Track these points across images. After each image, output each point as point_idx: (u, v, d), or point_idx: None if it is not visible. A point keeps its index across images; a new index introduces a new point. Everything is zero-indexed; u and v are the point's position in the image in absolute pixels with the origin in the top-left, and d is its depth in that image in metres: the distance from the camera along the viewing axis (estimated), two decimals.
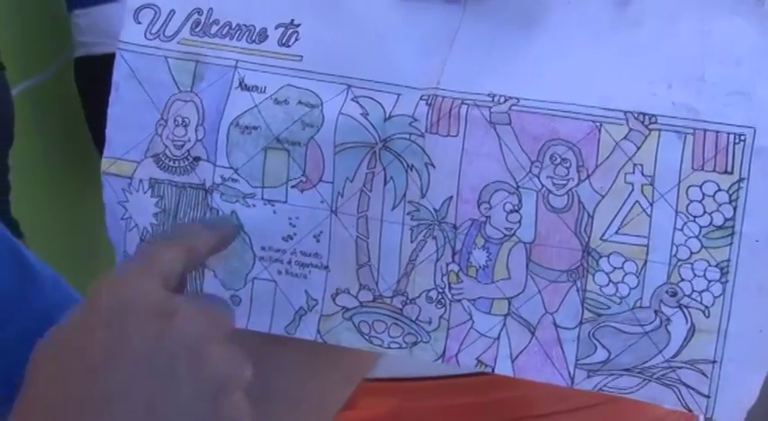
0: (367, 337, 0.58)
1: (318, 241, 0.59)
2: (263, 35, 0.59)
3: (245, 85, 0.59)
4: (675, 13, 0.52)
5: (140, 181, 0.62)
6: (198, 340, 0.48)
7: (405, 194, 0.56)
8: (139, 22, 0.62)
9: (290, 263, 0.59)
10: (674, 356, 0.53)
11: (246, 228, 0.59)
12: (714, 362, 0.52)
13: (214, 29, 0.60)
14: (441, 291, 0.56)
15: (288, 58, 0.58)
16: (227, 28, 0.60)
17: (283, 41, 0.59)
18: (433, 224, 0.56)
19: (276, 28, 0.59)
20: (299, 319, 0.60)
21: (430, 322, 0.57)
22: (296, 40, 0.58)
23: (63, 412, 0.46)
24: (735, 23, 0.51)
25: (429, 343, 0.57)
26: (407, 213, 0.56)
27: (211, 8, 0.60)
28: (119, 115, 0.62)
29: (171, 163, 0.61)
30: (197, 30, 0.60)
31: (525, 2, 0.55)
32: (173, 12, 0.61)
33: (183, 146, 0.60)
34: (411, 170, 0.56)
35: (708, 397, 0.53)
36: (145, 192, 0.62)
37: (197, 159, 0.60)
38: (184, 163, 0.60)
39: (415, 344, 0.58)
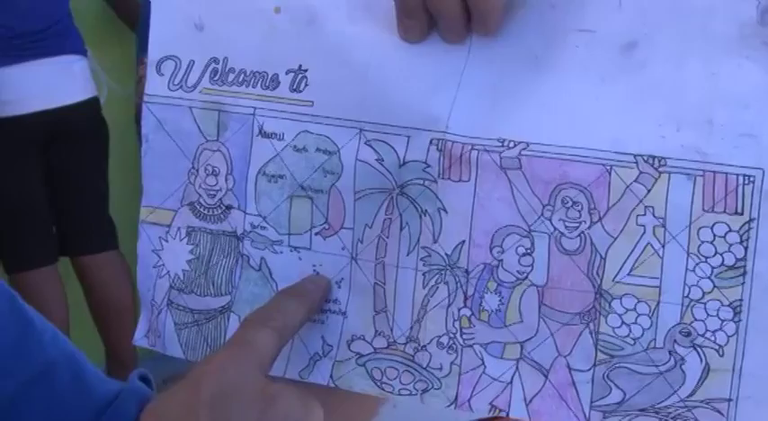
0: (378, 383, 0.59)
1: (339, 287, 0.60)
2: (276, 81, 0.60)
3: (265, 133, 0.60)
4: (682, 56, 0.52)
5: (178, 228, 0.63)
6: None
7: (419, 240, 0.57)
8: (162, 74, 0.63)
9: None
10: (690, 396, 0.53)
11: (274, 274, 0.61)
12: (730, 400, 0.52)
13: (231, 77, 0.61)
14: (452, 336, 0.56)
15: (300, 103, 0.59)
16: (243, 75, 0.61)
17: (294, 87, 0.60)
18: (445, 269, 0.56)
19: (287, 73, 0.60)
20: (314, 365, 0.60)
21: (441, 368, 0.57)
22: (306, 85, 0.59)
23: None
24: (741, 65, 0.51)
25: (440, 389, 0.57)
26: (421, 259, 0.57)
27: (227, 57, 0.62)
28: (151, 165, 0.64)
29: (205, 211, 0.62)
30: (216, 78, 0.62)
31: (530, 43, 0.55)
32: (192, 62, 0.63)
33: (215, 195, 0.62)
34: (425, 215, 0.56)
35: None
36: (182, 240, 0.63)
37: (229, 207, 0.61)
38: (218, 211, 0.62)
39: (425, 390, 0.58)
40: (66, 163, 2.60)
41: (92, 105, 2.65)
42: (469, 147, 0.55)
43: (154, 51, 0.64)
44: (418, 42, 0.56)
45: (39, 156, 2.56)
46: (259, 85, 0.60)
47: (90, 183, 2.65)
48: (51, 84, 2.51)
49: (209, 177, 0.62)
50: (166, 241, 0.64)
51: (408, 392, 0.58)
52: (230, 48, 0.62)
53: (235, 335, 0.54)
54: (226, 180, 0.61)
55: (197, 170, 0.62)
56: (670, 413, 0.53)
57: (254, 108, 0.60)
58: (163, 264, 0.64)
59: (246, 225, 0.61)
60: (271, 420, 0.48)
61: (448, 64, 0.56)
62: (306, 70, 0.59)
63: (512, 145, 0.54)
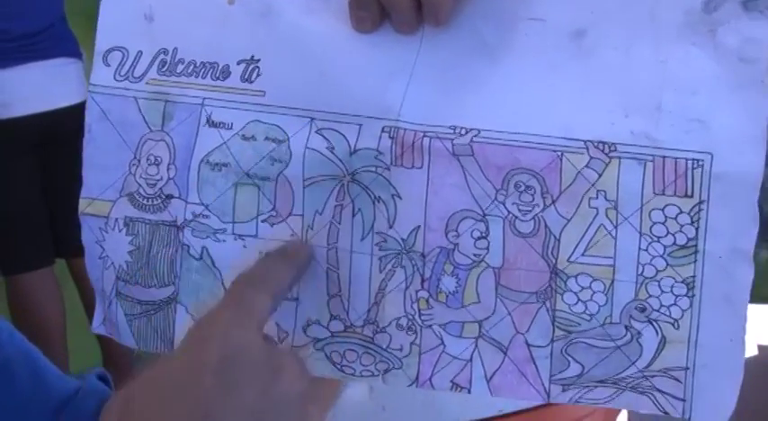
0: (339, 367, 0.59)
1: None
2: (227, 72, 0.60)
3: (213, 122, 0.60)
4: (630, 43, 0.53)
5: (116, 220, 0.63)
6: (300, 399, 0.49)
7: (373, 226, 0.57)
8: (108, 65, 0.63)
9: None
10: (648, 366, 0.55)
11: (217, 263, 0.60)
12: (687, 368, 0.54)
13: (180, 68, 0.61)
14: (411, 317, 0.57)
15: (251, 93, 0.59)
16: (192, 66, 0.60)
17: (246, 77, 0.59)
18: (401, 253, 0.57)
19: (238, 64, 0.60)
20: None
21: (401, 349, 0.58)
22: (258, 75, 0.59)
23: None
24: (689, 52, 0.52)
25: (401, 369, 0.58)
26: (376, 244, 0.57)
27: (176, 48, 0.61)
28: (93, 156, 0.63)
29: (144, 201, 0.62)
30: (164, 69, 0.61)
31: (482, 32, 0.56)
32: (140, 53, 0.62)
33: (155, 184, 0.61)
34: (378, 202, 0.57)
35: (683, 400, 0.55)
36: (120, 231, 0.63)
37: (169, 197, 0.61)
38: (157, 201, 0.61)
39: (387, 371, 0.59)
40: (61, 165, 2.52)
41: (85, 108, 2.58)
42: (421, 134, 0.55)
43: (101, 42, 0.63)
44: (370, 33, 0.57)
45: (33, 159, 2.51)
46: (209, 75, 0.60)
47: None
48: (46, 86, 2.45)
49: (151, 167, 0.61)
50: (106, 232, 0.63)
51: (370, 373, 0.59)
52: (180, 39, 0.61)
53: (231, 296, 0.52)
54: (168, 169, 0.61)
55: (138, 160, 0.62)
56: (629, 383, 0.55)
57: (203, 98, 0.60)
58: (107, 256, 0.64)
59: (187, 214, 0.60)
60: (277, 393, 0.47)
61: (400, 53, 0.56)
62: (258, 61, 0.59)
63: (463, 132, 0.55)
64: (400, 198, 0.56)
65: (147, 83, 0.61)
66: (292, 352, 0.55)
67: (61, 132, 2.50)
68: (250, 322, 0.50)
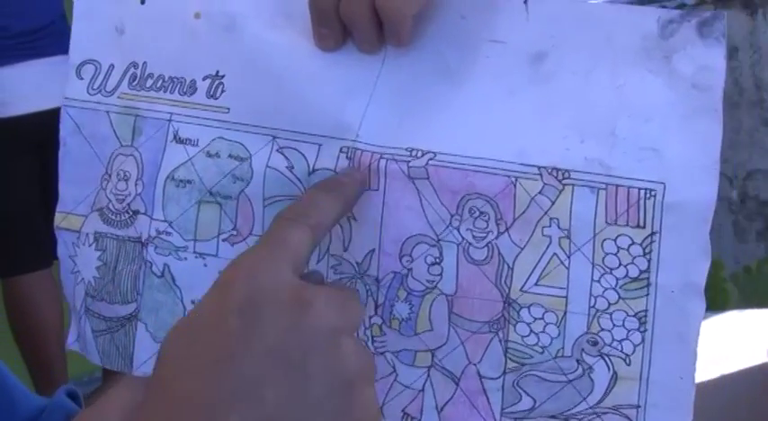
0: None
1: None
2: (193, 87, 0.59)
3: (179, 139, 0.59)
4: (589, 69, 0.52)
5: (87, 234, 0.62)
6: (332, 333, 0.45)
7: (328, 248, 0.57)
8: (82, 78, 0.63)
9: None
10: (599, 403, 0.53)
11: (178, 281, 0.60)
12: (638, 406, 0.52)
13: (149, 82, 0.61)
14: (364, 344, 0.56)
15: (216, 110, 0.59)
16: (161, 81, 0.60)
17: (211, 93, 0.59)
18: (355, 277, 0.56)
19: (204, 79, 0.59)
20: None
21: None
22: (222, 91, 0.59)
23: (191, 400, 0.43)
24: (645, 78, 0.51)
25: None
26: (331, 267, 0.57)
27: (146, 62, 0.61)
28: (68, 171, 0.64)
29: (113, 216, 0.61)
30: (134, 84, 0.61)
31: (444, 54, 0.55)
32: (112, 66, 0.62)
33: (124, 200, 0.61)
34: None
35: None
36: (90, 246, 0.62)
37: (136, 213, 0.60)
38: (125, 216, 0.61)
39: None
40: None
41: None
42: (378, 156, 0.55)
43: (74, 54, 0.63)
44: (333, 51, 0.56)
45: (33, 158, 2.49)
46: (177, 90, 0.60)
47: None
48: (46, 84, 2.39)
49: (120, 182, 0.61)
50: (78, 247, 0.63)
51: None
52: (150, 53, 0.61)
53: (266, 233, 0.49)
54: (135, 185, 0.60)
55: (110, 175, 0.61)
56: (580, 419, 0.54)
57: (171, 114, 0.60)
58: (78, 271, 0.63)
59: (152, 230, 0.60)
60: (304, 328, 0.45)
61: (362, 73, 0.56)
62: (223, 76, 0.59)
63: (419, 154, 0.54)
64: (356, 220, 0.56)
65: (118, 97, 0.61)
66: (333, 285, 0.51)
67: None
68: (281, 258, 0.47)
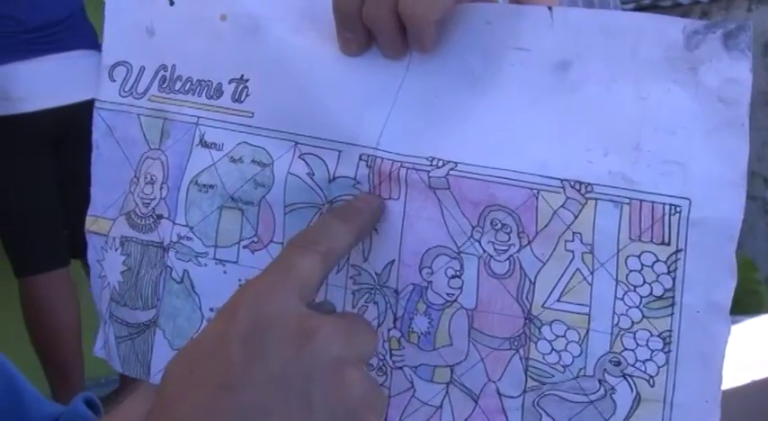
0: None
1: None
2: (219, 91, 0.58)
3: (205, 143, 0.58)
4: (613, 79, 0.50)
5: (114, 239, 0.61)
6: (336, 363, 0.45)
7: (348, 258, 0.55)
8: (114, 80, 0.62)
9: None
10: None
11: (197, 288, 0.58)
12: None
13: (178, 85, 0.60)
14: (382, 358, 0.55)
15: (241, 114, 0.58)
16: (189, 83, 0.59)
17: (236, 97, 0.58)
18: (375, 289, 0.55)
19: (230, 83, 0.58)
20: None
21: None
22: (246, 95, 0.58)
23: None
24: (670, 90, 0.50)
25: None
26: (350, 277, 0.55)
27: (175, 64, 0.60)
28: (99, 174, 0.63)
29: (139, 221, 0.60)
30: (164, 86, 0.60)
31: (469, 61, 0.53)
32: (143, 68, 0.61)
33: (149, 204, 0.60)
34: None
35: None
36: (116, 250, 0.61)
37: (159, 217, 0.59)
38: (149, 221, 0.60)
39: None
40: (78, 161, 2.46)
41: None
42: (399, 164, 0.53)
43: (107, 56, 0.63)
44: (357, 55, 0.55)
45: (50, 155, 2.46)
46: (204, 93, 0.59)
47: None
48: (64, 80, 2.40)
49: (147, 186, 0.60)
50: (106, 251, 0.62)
51: None
52: (178, 55, 0.60)
53: (276, 259, 0.49)
54: (161, 189, 0.60)
55: (138, 179, 0.61)
56: None
57: (198, 117, 0.59)
58: (105, 275, 0.62)
59: (173, 235, 0.59)
60: (307, 357, 0.44)
61: (385, 79, 0.55)
62: (247, 80, 0.58)
63: (440, 164, 0.53)
64: (376, 231, 0.54)
65: (149, 99, 0.61)
66: (343, 315, 0.50)
67: (79, 127, 2.41)
68: (288, 285, 0.46)
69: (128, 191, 0.61)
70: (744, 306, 2.43)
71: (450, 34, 0.54)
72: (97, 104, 0.62)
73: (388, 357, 0.55)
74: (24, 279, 2.48)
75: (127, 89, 0.62)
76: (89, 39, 2.48)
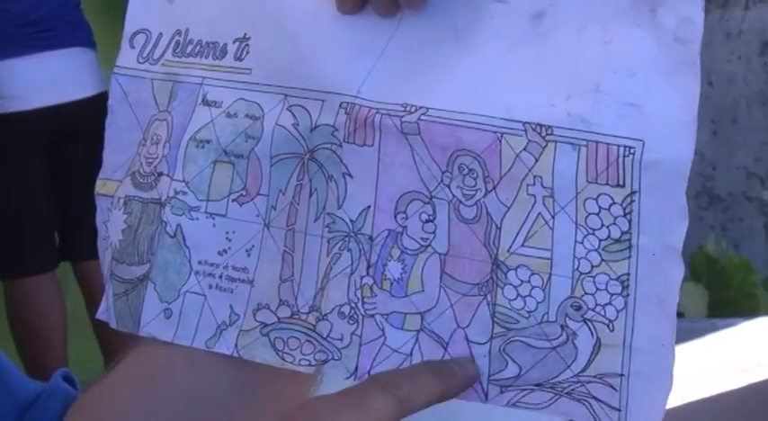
0: (280, 354, 0.58)
1: (249, 256, 0.59)
2: (224, 51, 0.60)
3: (207, 101, 0.60)
4: (582, 24, 0.51)
5: (118, 199, 0.63)
6: None
7: (325, 206, 0.56)
8: (133, 47, 0.64)
9: (221, 277, 0.59)
10: (583, 371, 0.52)
11: (188, 241, 0.60)
12: (622, 375, 0.51)
13: (189, 48, 0.61)
14: (353, 306, 0.56)
15: (240, 71, 0.59)
16: (199, 46, 0.61)
17: (238, 55, 0.60)
18: (349, 236, 0.56)
19: (234, 42, 0.60)
20: (220, 334, 0.59)
21: (341, 339, 0.56)
22: (247, 53, 0.59)
23: None
24: (632, 33, 0.50)
25: (340, 360, 0.56)
26: (326, 225, 0.56)
27: (188, 28, 0.62)
28: (112, 139, 0.64)
29: (142, 179, 0.62)
30: (177, 51, 0.62)
31: (454, 16, 0.55)
32: (161, 35, 0.63)
33: (152, 163, 0.61)
34: (331, 181, 0.56)
35: (619, 410, 0.51)
36: (119, 210, 0.63)
37: (160, 174, 0.61)
38: (151, 179, 0.61)
39: (325, 361, 0.57)
40: (73, 162, 2.40)
41: (102, 100, 2.45)
42: (374, 111, 0.54)
43: (129, 24, 0.65)
44: (352, 14, 0.56)
45: (44, 155, 2.41)
46: (210, 55, 0.60)
47: None
48: (59, 77, 2.36)
49: (152, 146, 0.61)
50: (111, 212, 0.63)
51: (308, 363, 0.57)
52: (192, 19, 0.62)
53: (351, 389, 0.49)
54: (163, 147, 0.61)
55: (145, 140, 0.62)
56: (564, 388, 0.52)
57: (203, 78, 0.60)
58: (108, 236, 0.64)
59: (170, 191, 0.60)
60: None
61: (375, 34, 0.56)
62: (249, 38, 0.59)
63: (413, 109, 0.54)
64: (351, 176, 0.55)
65: (162, 64, 0.62)
66: None
67: (75, 126, 2.35)
68: (350, 417, 0.46)
69: (136, 152, 0.63)
70: (741, 308, 2.42)
71: None
72: (115, 70, 0.64)
73: (360, 305, 0.55)
74: (9, 282, 2.45)
75: (144, 55, 0.63)
76: (85, 36, 2.46)
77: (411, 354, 0.55)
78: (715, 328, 1.44)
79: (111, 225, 0.63)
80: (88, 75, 2.44)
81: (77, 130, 2.36)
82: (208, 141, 0.59)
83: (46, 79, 2.36)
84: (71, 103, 2.37)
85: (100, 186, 0.64)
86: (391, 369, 0.53)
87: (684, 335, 1.36)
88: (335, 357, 0.56)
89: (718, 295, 2.42)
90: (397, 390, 0.48)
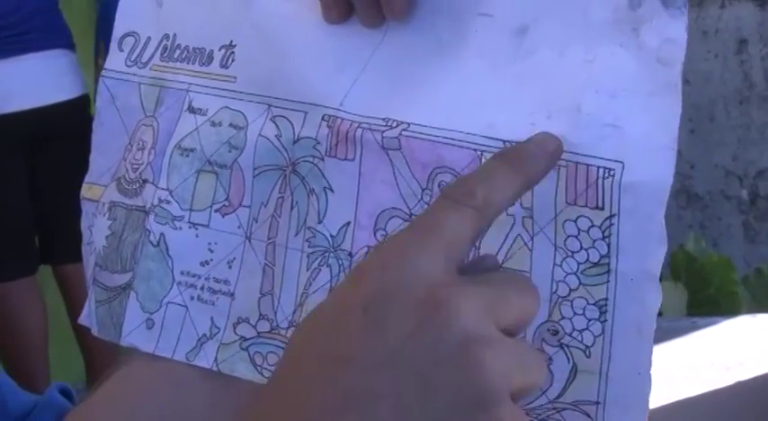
0: (259, 369, 0.57)
1: (230, 268, 0.58)
2: (210, 57, 0.60)
3: (192, 108, 0.60)
4: (565, 42, 0.51)
5: (103, 204, 0.62)
6: (467, 342, 0.38)
7: (305, 220, 0.56)
8: (122, 50, 0.63)
9: (202, 288, 0.59)
10: (558, 397, 0.50)
11: (171, 251, 0.59)
12: (597, 403, 0.49)
13: (177, 53, 0.61)
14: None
15: (225, 79, 0.59)
16: (186, 52, 0.61)
17: (223, 63, 0.59)
18: (329, 251, 0.55)
19: (219, 49, 0.60)
20: (201, 346, 0.59)
21: None
22: (232, 61, 0.59)
23: (306, 399, 0.39)
24: (615, 53, 0.49)
25: None
26: (306, 240, 0.56)
27: (176, 33, 0.62)
28: (98, 141, 0.64)
29: (127, 186, 0.61)
30: (165, 55, 0.62)
31: (438, 29, 0.54)
32: (149, 38, 0.63)
33: (137, 169, 0.61)
34: (312, 194, 0.55)
35: None
36: (104, 216, 0.62)
37: (145, 181, 0.60)
38: (135, 185, 0.61)
39: None
40: (52, 165, 2.39)
41: (81, 104, 2.46)
42: (356, 125, 0.54)
43: (119, 26, 0.64)
44: (338, 23, 0.56)
45: (23, 158, 2.39)
46: (197, 61, 0.60)
47: (78, 187, 2.45)
48: (38, 80, 2.35)
49: (138, 152, 0.61)
50: (95, 217, 0.63)
51: None
52: (180, 24, 0.62)
53: (422, 214, 0.43)
54: (149, 154, 0.61)
55: (131, 145, 0.62)
56: (539, 414, 0.51)
57: (190, 84, 0.60)
58: (92, 241, 0.63)
59: (155, 199, 0.59)
60: (431, 334, 0.38)
61: (360, 46, 0.56)
62: (235, 46, 0.59)
63: (394, 124, 0.53)
64: (332, 191, 0.55)
65: (150, 69, 0.62)
66: (489, 279, 0.43)
67: (55, 129, 2.35)
68: (428, 248, 0.40)
69: (122, 157, 0.62)
70: (721, 307, 2.41)
71: (424, 4, 0.54)
72: (103, 73, 0.64)
73: None
74: None
75: (132, 59, 0.63)
76: (64, 39, 2.44)
77: None
78: (696, 327, 1.42)
79: (96, 230, 0.63)
80: (68, 77, 2.43)
81: (58, 133, 2.35)
82: (192, 150, 0.59)
83: (25, 82, 2.34)
84: (51, 106, 2.36)
85: (86, 190, 0.64)
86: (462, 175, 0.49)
87: (665, 334, 1.35)
88: None
89: (698, 294, 2.40)
90: (471, 199, 0.42)
